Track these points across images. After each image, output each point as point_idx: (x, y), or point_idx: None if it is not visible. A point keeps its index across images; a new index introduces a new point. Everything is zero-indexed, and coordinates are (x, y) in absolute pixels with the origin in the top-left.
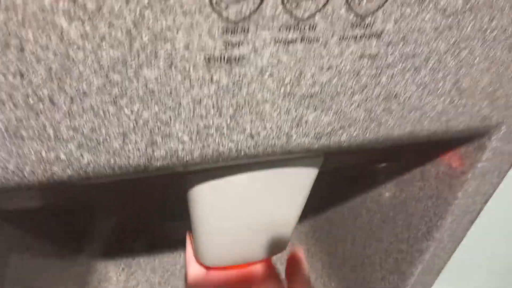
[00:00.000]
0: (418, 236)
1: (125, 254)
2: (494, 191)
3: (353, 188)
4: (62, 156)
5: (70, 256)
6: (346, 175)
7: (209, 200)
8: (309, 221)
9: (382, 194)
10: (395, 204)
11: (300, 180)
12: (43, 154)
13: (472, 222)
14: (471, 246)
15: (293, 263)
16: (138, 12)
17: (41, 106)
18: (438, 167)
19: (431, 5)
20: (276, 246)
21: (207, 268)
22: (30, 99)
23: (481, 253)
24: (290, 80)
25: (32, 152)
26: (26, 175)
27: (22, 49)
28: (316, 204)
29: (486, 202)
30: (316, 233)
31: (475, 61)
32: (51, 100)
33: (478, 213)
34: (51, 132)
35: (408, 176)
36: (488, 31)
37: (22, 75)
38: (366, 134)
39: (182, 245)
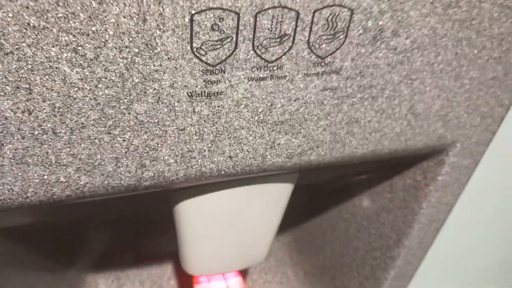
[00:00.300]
0: (390, 244)
1: (114, 267)
2: (456, 201)
3: (330, 201)
4: (62, 179)
5: (61, 269)
6: (323, 189)
7: (193, 215)
8: (291, 233)
9: (356, 206)
10: (369, 214)
11: (277, 194)
12: (45, 177)
13: (438, 230)
14: (440, 252)
15: None
16: (130, 59)
17: (44, 137)
18: (405, 180)
19: (382, 45)
20: (256, 255)
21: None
22: (36, 131)
23: (450, 259)
24: (263, 110)
25: (36, 176)
26: (29, 196)
27: (30, 91)
28: (297, 216)
29: (449, 211)
30: (298, 244)
31: (427, 89)
32: (54, 132)
33: (443, 222)
34: (53, 158)
35: (379, 189)
36: (435, 64)
37: (30, 112)
38: (332, 153)
39: (169, 258)
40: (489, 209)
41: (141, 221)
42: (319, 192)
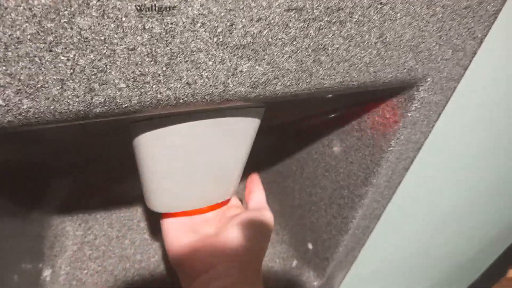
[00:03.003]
0: (358, 182)
1: (82, 211)
2: (425, 139)
3: (300, 142)
4: (1, 102)
5: (25, 212)
6: (293, 129)
7: (153, 149)
8: (262, 174)
9: (325, 146)
10: (337, 154)
11: (242, 130)
12: None
13: (406, 169)
14: (408, 193)
15: (251, 185)
16: None
17: None
18: (374, 117)
19: None
20: (221, 193)
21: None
22: None
23: (418, 201)
24: (222, 30)
25: None
26: None
27: None
28: (267, 157)
29: (418, 149)
30: (269, 185)
31: (397, 15)
32: None
33: (412, 161)
34: None
35: (348, 128)
36: None
37: None
38: (299, 84)
39: (139, 201)
40: (457, 148)
41: (109, 163)
42: (288, 133)
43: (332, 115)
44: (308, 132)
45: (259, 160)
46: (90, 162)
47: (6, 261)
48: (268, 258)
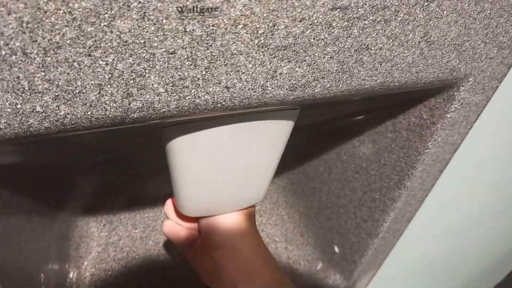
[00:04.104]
0: (391, 185)
1: (106, 211)
2: (462, 140)
3: (328, 142)
4: (38, 108)
5: (51, 213)
6: (321, 129)
7: (186, 153)
8: (287, 175)
9: (356, 147)
10: (368, 155)
11: (276, 133)
12: (19, 106)
13: (441, 171)
14: (439, 195)
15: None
16: None
17: (13, 58)
18: (409, 118)
19: None
20: (252, 197)
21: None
22: (2, 51)
23: (448, 203)
24: (264, 31)
25: (7, 105)
26: (1, 128)
27: None
28: (294, 158)
29: (455, 151)
30: (294, 186)
31: (444, 13)
32: (24, 52)
33: (448, 162)
34: (25, 84)
35: (381, 129)
36: None
37: None
38: (339, 85)
39: (163, 201)
40: (491, 149)
41: (133, 163)
42: (317, 133)
43: (364, 116)
44: (337, 133)
45: (284, 159)
46: (115, 162)
47: (33, 260)
48: (293, 260)
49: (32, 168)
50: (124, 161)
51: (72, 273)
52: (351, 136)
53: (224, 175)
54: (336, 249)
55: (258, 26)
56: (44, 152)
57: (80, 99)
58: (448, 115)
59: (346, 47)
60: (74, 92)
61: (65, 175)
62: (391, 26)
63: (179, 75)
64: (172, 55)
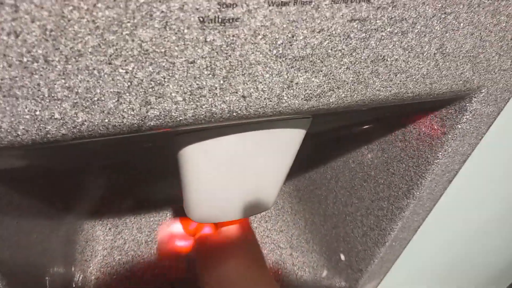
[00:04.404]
0: (399, 194)
1: (112, 215)
2: (472, 151)
3: (336, 149)
4: (57, 115)
5: (58, 216)
6: (329, 137)
7: (198, 160)
8: (293, 181)
9: (364, 155)
10: (377, 164)
11: (288, 141)
12: (37, 113)
13: (450, 181)
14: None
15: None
16: None
17: (35, 65)
18: (420, 128)
19: None
20: (262, 204)
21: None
22: (24, 58)
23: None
24: (283, 42)
25: (26, 111)
26: (19, 134)
27: (17, 9)
28: (300, 164)
29: (464, 162)
30: (300, 193)
31: (460, 25)
32: (46, 60)
33: (457, 173)
34: (45, 91)
35: (390, 137)
36: None
37: (16, 35)
38: (354, 96)
39: (168, 205)
40: (504, 159)
41: (140, 167)
42: (325, 140)
43: (373, 124)
44: (346, 140)
45: (292, 165)
46: (121, 166)
47: (39, 263)
48: (298, 267)
49: (42, 172)
50: (130, 165)
51: (77, 277)
52: (360, 144)
53: (234, 182)
54: (342, 257)
55: (277, 37)
56: (53, 156)
57: (98, 106)
58: (460, 126)
59: (362, 58)
60: (93, 100)
61: (72, 178)
62: (408, 38)
63: (197, 84)
64: (192, 64)
